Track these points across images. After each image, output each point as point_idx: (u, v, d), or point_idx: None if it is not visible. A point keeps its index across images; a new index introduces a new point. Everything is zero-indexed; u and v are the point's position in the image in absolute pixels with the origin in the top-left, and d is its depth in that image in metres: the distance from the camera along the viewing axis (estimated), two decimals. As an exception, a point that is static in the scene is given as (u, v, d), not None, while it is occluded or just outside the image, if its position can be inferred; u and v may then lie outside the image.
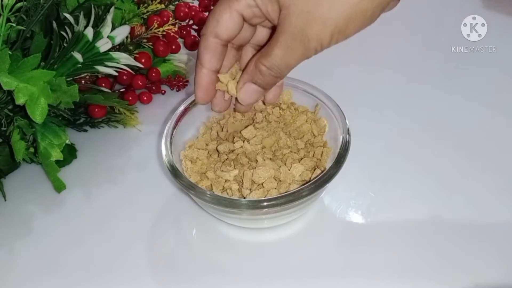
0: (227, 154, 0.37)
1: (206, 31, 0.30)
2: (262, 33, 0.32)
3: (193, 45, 0.52)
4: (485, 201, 0.38)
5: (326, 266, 0.35)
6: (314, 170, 0.36)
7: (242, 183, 0.35)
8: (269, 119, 0.39)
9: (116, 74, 0.42)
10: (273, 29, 0.31)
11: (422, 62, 0.53)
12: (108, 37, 0.41)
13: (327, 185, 0.33)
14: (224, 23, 0.29)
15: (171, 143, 0.37)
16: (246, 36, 0.32)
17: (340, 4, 0.25)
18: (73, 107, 0.39)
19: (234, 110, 0.38)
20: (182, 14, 0.49)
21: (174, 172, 0.34)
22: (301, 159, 0.36)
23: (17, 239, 0.39)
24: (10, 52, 0.35)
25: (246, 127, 0.38)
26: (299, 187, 0.33)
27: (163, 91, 0.51)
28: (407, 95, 0.49)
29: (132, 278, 0.35)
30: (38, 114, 0.35)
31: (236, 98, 0.33)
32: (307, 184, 0.32)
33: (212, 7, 0.53)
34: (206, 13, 0.52)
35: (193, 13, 0.51)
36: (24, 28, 0.37)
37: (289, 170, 0.35)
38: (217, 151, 0.38)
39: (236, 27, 0.29)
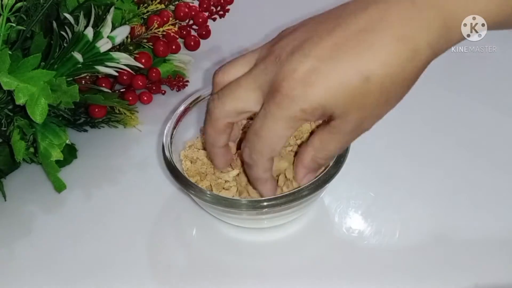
0: (227, 154, 0.37)
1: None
2: None
3: (193, 45, 0.52)
4: (485, 201, 0.38)
5: (326, 266, 0.35)
6: (314, 170, 0.36)
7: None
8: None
9: (116, 74, 0.42)
10: None
11: (422, 62, 0.53)
12: (108, 37, 0.41)
13: (327, 185, 0.33)
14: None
15: (171, 143, 0.37)
16: None
17: (394, 97, 0.28)
18: (73, 107, 0.39)
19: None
20: (182, 14, 0.49)
21: (174, 172, 0.34)
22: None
23: (17, 239, 0.39)
24: (10, 52, 0.35)
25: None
26: (299, 187, 0.33)
27: (163, 91, 0.51)
28: (407, 94, 0.49)
29: (132, 278, 0.35)
30: (38, 114, 0.35)
31: None
32: (307, 184, 0.32)
33: (212, 7, 0.53)
34: (206, 13, 0.52)
35: (193, 13, 0.51)
36: (24, 28, 0.37)
37: (289, 170, 0.35)
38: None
39: None
